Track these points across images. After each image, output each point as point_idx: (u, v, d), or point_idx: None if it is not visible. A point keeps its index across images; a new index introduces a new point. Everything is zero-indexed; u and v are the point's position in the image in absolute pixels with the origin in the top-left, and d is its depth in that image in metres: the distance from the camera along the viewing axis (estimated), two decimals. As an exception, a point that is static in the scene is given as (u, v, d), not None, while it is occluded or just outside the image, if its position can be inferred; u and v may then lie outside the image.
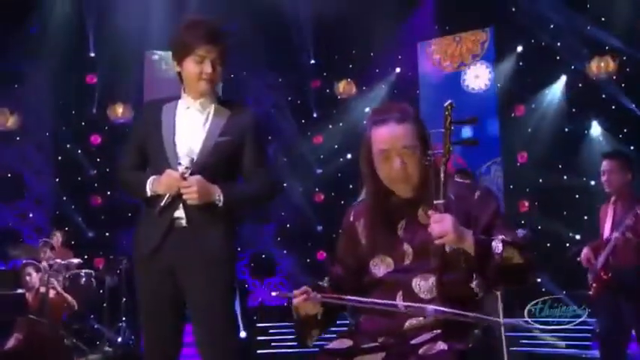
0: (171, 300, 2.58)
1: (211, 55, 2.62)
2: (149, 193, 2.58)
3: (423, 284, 1.98)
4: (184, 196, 2.52)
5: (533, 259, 1.98)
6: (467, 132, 7.68)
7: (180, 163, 2.53)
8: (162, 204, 2.53)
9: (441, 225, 1.86)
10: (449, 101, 1.96)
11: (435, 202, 1.90)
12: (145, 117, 2.72)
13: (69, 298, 5.96)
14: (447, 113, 1.91)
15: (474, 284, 1.97)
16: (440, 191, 1.89)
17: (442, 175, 1.89)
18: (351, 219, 2.19)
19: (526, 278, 1.96)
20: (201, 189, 2.51)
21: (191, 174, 2.52)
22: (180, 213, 2.56)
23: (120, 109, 8.45)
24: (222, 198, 2.54)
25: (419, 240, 1.98)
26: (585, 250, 4.10)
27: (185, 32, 2.62)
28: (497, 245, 1.90)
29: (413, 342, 1.87)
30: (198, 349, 2.63)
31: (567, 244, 6.89)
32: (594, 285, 4.00)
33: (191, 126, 2.63)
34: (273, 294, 2.14)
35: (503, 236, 1.94)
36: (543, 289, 7.15)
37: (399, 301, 1.98)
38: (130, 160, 2.71)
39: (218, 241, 2.57)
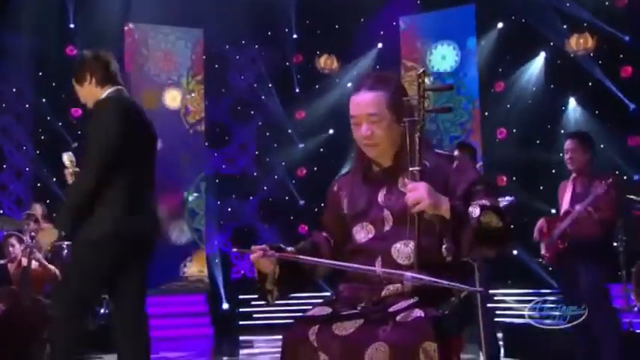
0: None
1: None
2: None
3: (403, 250, 2.02)
4: None
5: (511, 223, 1.97)
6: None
7: None
8: None
9: (415, 193, 1.88)
10: (422, 69, 2.01)
11: (410, 169, 1.93)
12: None
13: (52, 269, 5.97)
14: (420, 80, 1.93)
15: (442, 248, 1.99)
16: (415, 158, 1.92)
17: (417, 142, 1.92)
18: (335, 189, 2.24)
19: (504, 242, 1.95)
20: None
21: None
22: None
23: (101, 82, 8.37)
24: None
25: (398, 206, 2.02)
26: (540, 223, 4.26)
27: None
28: (474, 210, 1.91)
29: (391, 309, 1.91)
30: None
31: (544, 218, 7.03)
32: (547, 254, 4.21)
33: None
34: (234, 250, 2.22)
35: (481, 201, 1.94)
36: (520, 262, 7.34)
37: (378, 268, 2.01)
38: None
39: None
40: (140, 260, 3.00)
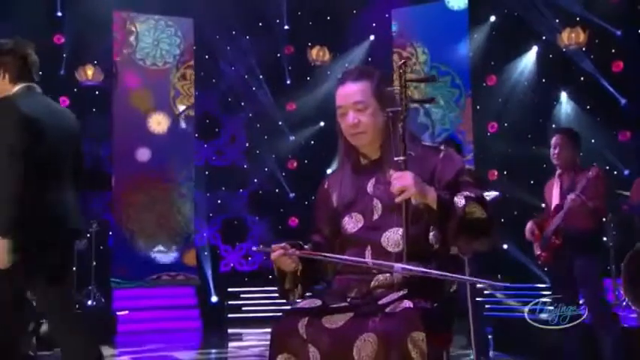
0: None
1: None
2: None
3: (392, 237, 2.03)
4: None
5: (495, 216, 2.00)
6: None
7: None
8: None
9: (401, 180, 1.90)
10: (402, 60, 2.04)
11: (395, 158, 1.95)
12: None
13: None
14: (400, 71, 1.97)
15: (430, 235, 2.02)
16: (400, 148, 1.94)
17: (400, 131, 1.94)
18: (326, 186, 2.26)
19: (487, 233, 1.97)
20: None
21: None
22: None
23: (90, 72, 8.29)
24: None
25: (388, 196, 2.02)
26: (529, 226, 4.24)
27: None
28: (459, 200, 1.94)
29: (380, 302, 1.91)
30: None
31: (534, 213, 7.04)
32: (544, 254, 4.16)
33: None
34: (254, 249, 2.19)
35: (467, 192, 1.97)
36: (510, 256, 7.35)
37: (368, 257, 2.03)
38: None
39: None
40: (61, 260, 2.87)
